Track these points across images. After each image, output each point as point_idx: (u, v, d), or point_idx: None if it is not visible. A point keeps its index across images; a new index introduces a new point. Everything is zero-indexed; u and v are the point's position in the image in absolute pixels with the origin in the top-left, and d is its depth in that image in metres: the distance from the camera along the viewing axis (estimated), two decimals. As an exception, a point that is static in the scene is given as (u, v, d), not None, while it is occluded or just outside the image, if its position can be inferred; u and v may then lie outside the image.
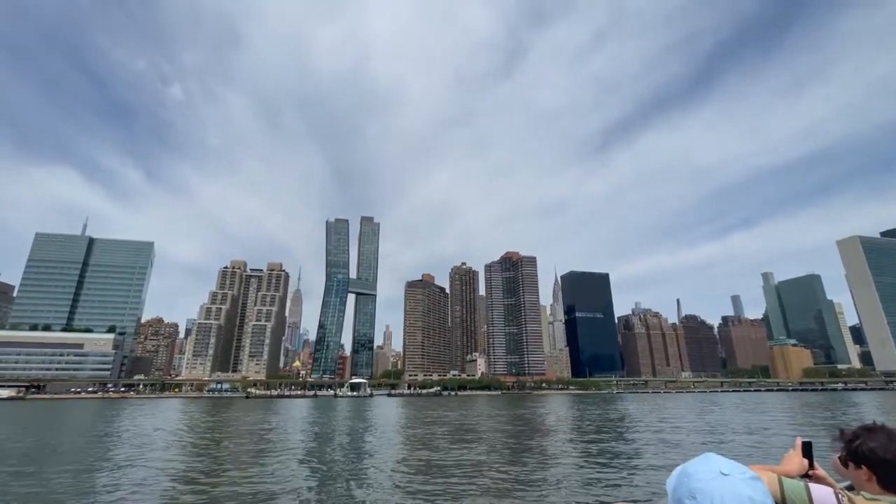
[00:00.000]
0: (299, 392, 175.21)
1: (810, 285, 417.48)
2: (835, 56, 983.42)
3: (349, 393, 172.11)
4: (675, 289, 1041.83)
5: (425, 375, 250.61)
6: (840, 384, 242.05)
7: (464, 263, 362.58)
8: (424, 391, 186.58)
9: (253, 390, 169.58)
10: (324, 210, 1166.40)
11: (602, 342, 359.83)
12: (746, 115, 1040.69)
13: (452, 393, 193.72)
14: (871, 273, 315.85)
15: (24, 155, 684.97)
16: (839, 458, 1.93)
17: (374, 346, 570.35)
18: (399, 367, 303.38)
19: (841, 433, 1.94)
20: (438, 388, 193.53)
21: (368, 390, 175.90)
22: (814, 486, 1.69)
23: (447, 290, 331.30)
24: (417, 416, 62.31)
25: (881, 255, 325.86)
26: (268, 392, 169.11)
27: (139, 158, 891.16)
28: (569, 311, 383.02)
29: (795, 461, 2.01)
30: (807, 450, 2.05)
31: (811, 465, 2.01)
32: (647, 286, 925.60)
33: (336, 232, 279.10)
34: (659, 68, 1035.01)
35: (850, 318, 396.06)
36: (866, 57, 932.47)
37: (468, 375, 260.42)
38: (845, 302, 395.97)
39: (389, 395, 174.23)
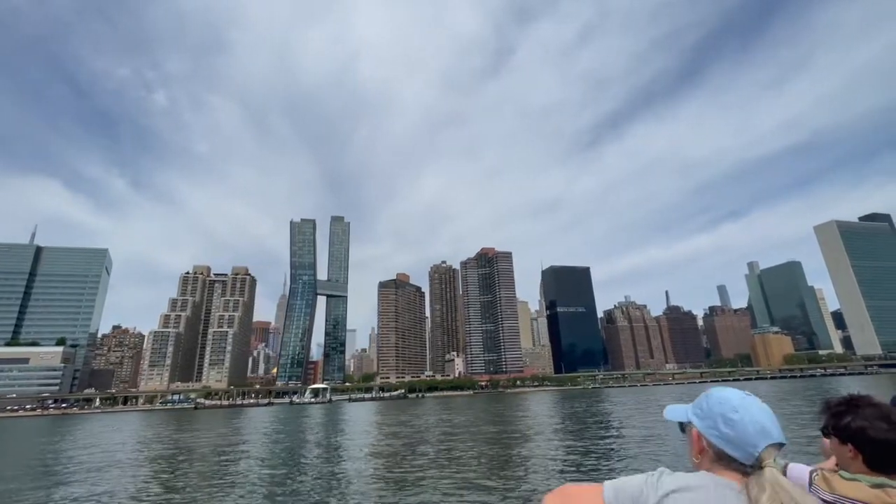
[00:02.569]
0: (252, 401, 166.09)
1: (791, 272, 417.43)
2: (815, 47, 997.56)
3: (307, 399, 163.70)
4: (666, 282, 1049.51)
5: (397, 377, 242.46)
6: (819, 370, 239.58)
7: (444, 262, 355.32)
8: (387, 394, 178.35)
9: (203, 401, 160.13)
10: (315, 214, 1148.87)
11: (585, 337, 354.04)
12: (732, 108, 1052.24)
13: (420, 395, 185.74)
14: (848, 258, 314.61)
15: (2, 166, 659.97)
16: (821, 429, 1.86)
17: (359, 349, 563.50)
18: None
19: (827, 405, 1.85)
20: (402, 391, 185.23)
21: (328, 395, 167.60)
22: (792, 467, 1.69)
23: (423, 290, 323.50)
24: (340, 430, 54.41)
25: (858, 239, 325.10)
26: (218, 402, 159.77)
27: (125, 168, 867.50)
28: (550, 306, 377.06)
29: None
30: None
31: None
32: (638, 280, 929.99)
33: (301, 232, 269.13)
34: (645, 64, 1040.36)
35: (831, 304, 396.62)
36: (845, 47, 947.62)
37: (443, 376, 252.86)
38: (827, 288, 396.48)
39: (350, 400, 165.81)
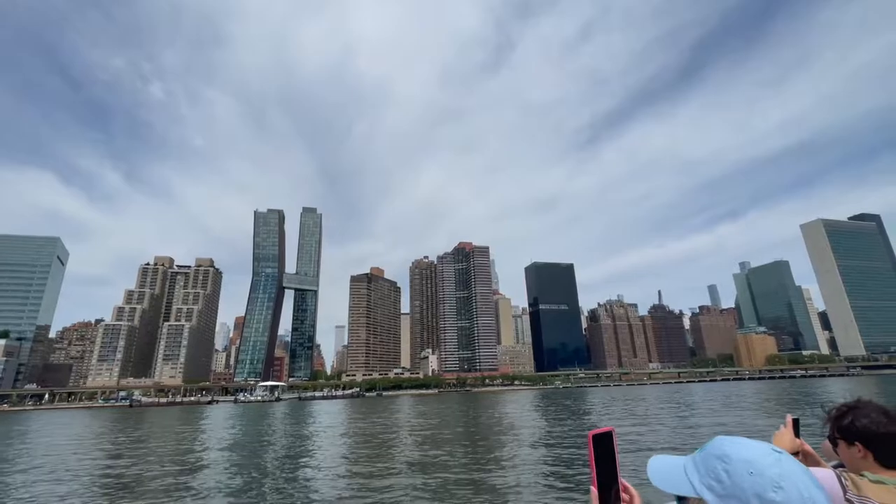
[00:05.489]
0: (193, 399, 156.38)
1: (778, 272, 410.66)
2: (816, 46, 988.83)
3: (254, 397, 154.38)
4: (661, 282, 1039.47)
5: (365, 375, 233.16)
6: (800, 371, 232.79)
7: (425, 257, 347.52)
8: (340, 393, 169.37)
9: (139, 398, 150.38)
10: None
11: (567, 335, 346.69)
12: (731, 107, 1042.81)
13: (378, 394, 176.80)
14: (834, 257, 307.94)
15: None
16: (828, 437, 1.86)
17: (342, 346, 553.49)
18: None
19: (828, 413, 1.87)
20: (357, 389, 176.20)
21: (276, 394, 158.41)
22: (815, 471, 1.44)
23: (398, 284, 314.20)
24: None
25: (845, 239, 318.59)
26: (156, 400, 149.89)
27: (119, 161, 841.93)
28: (533, 303, 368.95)
29: (787, 439, 1.94)
30: (795, 427, 1.98)
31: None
32: (634, 280, 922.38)
33: (265, 223, 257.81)
34: (645, 61, 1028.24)
35: (819, 304, 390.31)
36: (846, 47, 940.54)
37: (412, 374, 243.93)
38: (815, 288, 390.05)
39: (300, 399, 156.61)
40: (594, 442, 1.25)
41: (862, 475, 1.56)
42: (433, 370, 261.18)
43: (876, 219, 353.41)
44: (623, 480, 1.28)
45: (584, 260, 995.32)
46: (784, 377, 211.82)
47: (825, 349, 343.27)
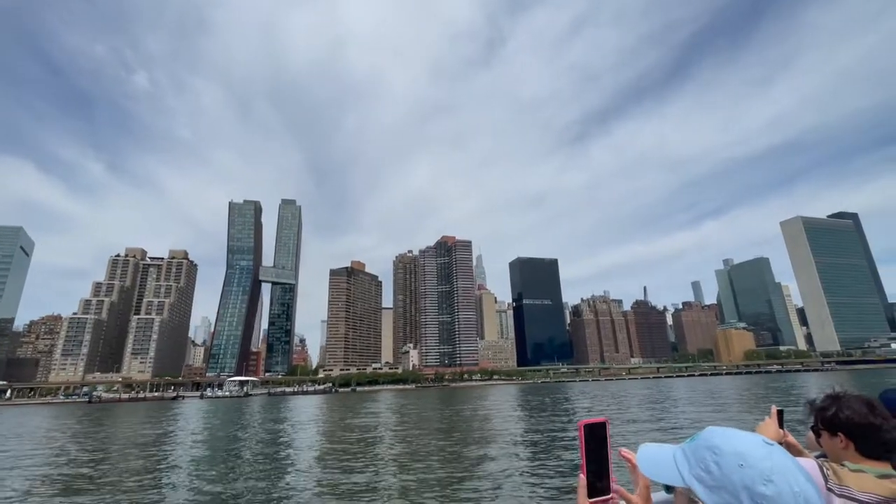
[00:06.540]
0: (158, 394, 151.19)
1: (759, 269, 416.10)
2: (802, 47, 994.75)
3: (221, 393, 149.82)
4: (647, 278, 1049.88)
5: (343, 369, 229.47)
6: (776, 366, 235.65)
7: (410, 251, 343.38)
8: (312, 388, 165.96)
9: (99, 394, 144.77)
10: (300, 203, 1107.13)
11: (550, 330, 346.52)
12: (718, 106, 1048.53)
13: (353, 389, 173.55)
14: (812, 254, 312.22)
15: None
16: (811, 428, 1.89)
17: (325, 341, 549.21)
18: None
19: (811, 404, 1.90)
20: (330, 384, 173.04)
21: (245, 389, 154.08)
22: (799, 461, 1.54)
23: (379, 279, 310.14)
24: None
25: (823, 236, 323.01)
26: (117, 396, 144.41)
27: (101, 151, 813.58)
28: (517, 298, 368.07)
29: (772, 430, 1.97)
30: (779, 418, 2.02)
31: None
32: (620, 276, 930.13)
33: (241, 215, 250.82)
34: (636, 58, 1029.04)
35: (798, 300, 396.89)
36: (832, 48, 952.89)
37: (391, 368, 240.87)
38: (794, 285, 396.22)
39: (270, 394, 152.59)
40: (586, 431, 1.28)
41: (843, 465, 1.58)
42: (414, 365, 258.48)
43: (854, 217, 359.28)
44: (622, 489, 1.25)
45: (572, 256, 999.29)
46: (760, 372, 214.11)
47: (803, 345, 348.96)
